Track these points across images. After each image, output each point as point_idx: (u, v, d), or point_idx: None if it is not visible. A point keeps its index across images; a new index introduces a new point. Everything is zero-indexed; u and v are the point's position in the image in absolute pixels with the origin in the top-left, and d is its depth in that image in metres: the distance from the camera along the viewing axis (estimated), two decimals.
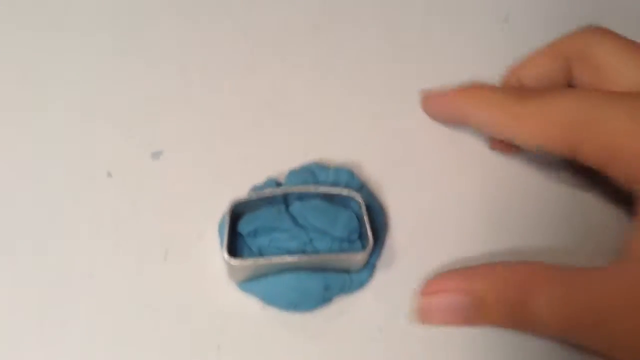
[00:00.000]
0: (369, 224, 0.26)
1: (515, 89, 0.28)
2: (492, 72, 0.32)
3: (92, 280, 0.27)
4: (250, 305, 0.27)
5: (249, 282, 0.26)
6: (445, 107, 0.30)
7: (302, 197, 0.27)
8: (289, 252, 0.26)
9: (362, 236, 0.27)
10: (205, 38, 0.34)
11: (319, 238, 0.26)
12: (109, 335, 0.26)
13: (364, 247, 0.26)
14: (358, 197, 0.26)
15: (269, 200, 0.27)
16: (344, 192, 0.26)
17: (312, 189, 0.26)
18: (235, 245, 0.26)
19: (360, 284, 0.27)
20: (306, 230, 0.26)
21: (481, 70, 0.32)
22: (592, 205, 0.30)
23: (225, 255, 0.25)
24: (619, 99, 0.24)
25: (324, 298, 0.26)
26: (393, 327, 0.27)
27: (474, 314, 0.24)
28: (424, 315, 0.25)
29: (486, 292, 0.23)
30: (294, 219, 0.26)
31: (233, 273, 0.26)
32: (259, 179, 0.29)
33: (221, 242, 0.27)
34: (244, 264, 0.25)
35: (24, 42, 0.33)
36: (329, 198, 0.27)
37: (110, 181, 0.29)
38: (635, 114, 0.23)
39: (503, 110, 0.26)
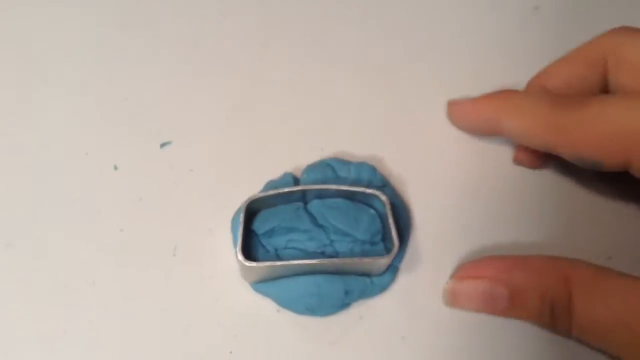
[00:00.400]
0: (394, 226, 0.24)
1: (550, 95, 0.25)
2: (522, 64, 0.30)
3: (99, 278, 0.25)
4: (265, 306, 0.25)
5: (263, 284, 0.25)
6: (475, 116, 0.27)
7: (321, 194, 0.25)
8: (307, 253, 0.24)
9: (385, 238, 0.25)
10: (218, 28, 0.32)
11: (340, 240, 0.24)
12: (115, 333, 0.25)
13: (387, 249, 0.24)
14: (383, 196, 0.24)
15: (286, 197, 0.25)
16: (368, 190, 0.24)
17: (333, 187, 0.25)
18: (249, 244, 0.25)
19: (382, 288, 0.25)
20: (326, 231, 0.25)
21: (510, 63, 0.30)
22: (623, 213, 0.28)
23: (240, 256, 0.23)
24: None
25: (343, 303, 0.25)
26: (417, 334, 0.25)
27: (509, 305, 0.23)
28: (455, 299, 0.24)
29: (526, 285, 0.23)
30: (313, 218, 0.25)
31: (247, 274, 0.24)
32: (274, 173, 0.28)
33: (234, 241, 0.25)
34: (260, 266, 0.23)
35: (28, 37, 0.31)
36: (349, 195, 0.25)
37: (116, 174, 0.28)
38: None
39: (542, 119, 0.24)
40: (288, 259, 0.24)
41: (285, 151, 0.28)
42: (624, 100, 0.22)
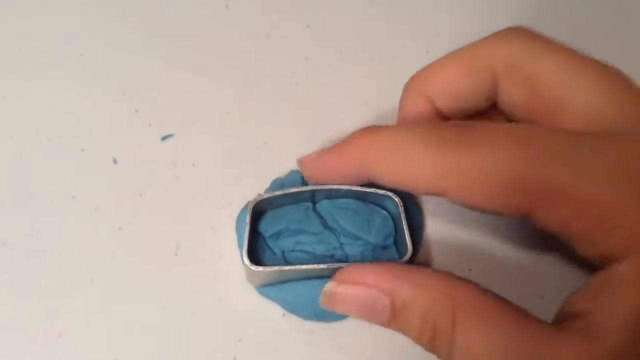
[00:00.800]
0: (407, 230, 0.23)
1: (425, 129, 0.20)
2: None
3: (97, 277, 0.24)
4: (270, 310, 0.24)
5: (269, 288, 0.24)
6: (336, 172, 0.22)
7: (330, 194, 0.24)
8: (316, 256, 0.23)
9: (397, 240, 0.24)
10: (221, 20, 0.30)
11: (350, 243, 0.23)
12: (113, 335, 0.24)
13: (400, 253, 0.23)
14: (396, 198, 0.23)
15: (294, 197, 0.24)
16: (380, 191, 0.23)
17: (344, 187, 0.23)
18: (255, 245, 0.23)
19: None
20: (336, 234, 0.23)
21: None
22: None
23: (246, 260, 0.22)
24: (589, 150, 0.18)
25: None
26: None
27: (391, 319, 0.20)
28: (330, 302, 0.21)
29: (410, 301, 0.20)
30: (322, 220, 0.24)
31: (252, 278, 0.23)
32: (279, 168, 0.26)
33: (240, 242, 0.24)
34: (267, 271, 0.22)
35: (24, 30, 0.30)
36: (361, 195, 0.24)
37: (115, 168, 0.27)
38: (614, 173, 0.18)
39: (422, 164, 0.20)
40: (296, 263, 0.23)
41: (291, 146, 0.27)
42: (516, 146, 0.19)
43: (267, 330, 0.24)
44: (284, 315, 0.24)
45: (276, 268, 0.22)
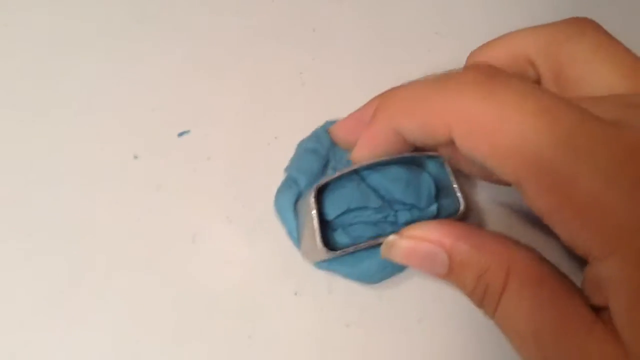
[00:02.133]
0: (457, 184, 0.24)
1: (450, 73, 0.21)
2: None
3: (117, 264, 0.26)
4: (281, 292, 0.26)
5: (332, 262, 0.25)
6: (359, 128, 0.24)
7: (371, 166, 0.25)
8: (374, 225, 0.24)
9: (442, 199, 0.25)
10: (234, 17, 0.32)
11: (403, 210, 0.25)
12: (132, 321, 0.25)
13: (449, 210, 0.25)
14: (441, 157, 0.24)
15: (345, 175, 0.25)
16: (428, 153, 0.24)
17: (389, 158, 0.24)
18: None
19: None
20: (390, 204, 0.25)
21: None
22: None
23: (321, 246, 0.23)
24: (592, 139, 0.18)
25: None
26: (433, 317, 0.25)
27: (447, 273, 0.21)
28: (393, 253, 0.22)
29: (467, 261, 0.21)
30: (376, 193, 0.25)
31: (315, 256, 0.25)
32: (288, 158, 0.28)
33: (288, 227, 0.26)
34: (346, 252, 0.23)
35: (46, 27, 0.32)
36: (403, 159, 0.25)
37: (136, 163, 0.28)
38: (610, 169, 0.17)
39: (434, 102, 0.21)
40: (356, 235, 0.24)
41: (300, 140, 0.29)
42: (530, 114, 0.18)
43: (278, 310, 0.25)
44: (295, 293, 0.26)
45: (351, 248, 0.23)
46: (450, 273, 0.21)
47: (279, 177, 0.28)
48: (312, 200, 0.23)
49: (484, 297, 0.21)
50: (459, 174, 0.25)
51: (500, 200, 0.28)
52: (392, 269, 0.25)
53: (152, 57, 0.31)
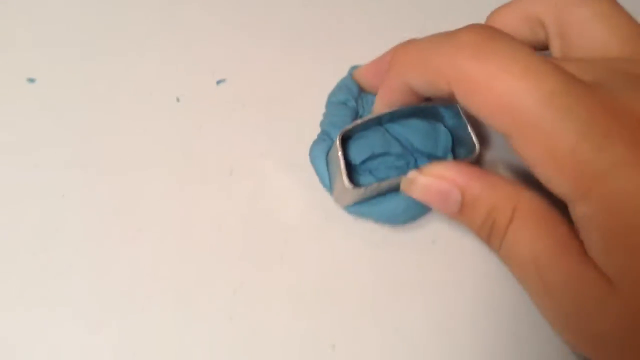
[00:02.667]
0: (472, 130, 0.27)
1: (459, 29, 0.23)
2: None
3: (163, 194, 0.29)
4: (311, 221, 0.29)
5: (359, 206, 0.28)
6: (378, 74, 0.27)
7: (393, 115, 0.28)
8: (397, 169, 0.27)
9: (457, 145, 0.28)
10: None
11: (421, 158, 0.28)
12: (174, 247, 0.28)
13: (462, 154, 0.28)
14: (456, 107, 0.27)
15: (367, 122, 0.27)
16: (443, 103, 0.27)
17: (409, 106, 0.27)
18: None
19: None
20: (410, 152, 0.28)
21: None
22: None
23: (348, 183, 0.26)
24: (576, 96, 0.20)
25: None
26: (448, 237, 0.28)
27: (459, 211, 0.24)
28: (411, 188, 0.25)
29: (478, 198, 0.23)
30: (398, 142, 0.28)
31: (346, 198, 0.27)
32: (319, 107, 0.30)
33: (320, 174, 0.28)
34: (369, 188, 0.26)
35: None
36: (420, 110, 0.28)
37: (179, 106, 0.31)
38: (590, 124, 0.20)
39: (439, 56, 0.23)
40: (381, 177, 0.27)
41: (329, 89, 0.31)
42: (514, 77, 0.20)
43: (309, 235, 0.28)
44: (325, 219, 0.29)
45: (374, 184, 0.26)
46: (462, 211, 0.24)
47: (310, 124, 0.30)
48: (338, 144, 0.26)
49: (491, 232, 0.23)
50: (476, 123, 0.28)
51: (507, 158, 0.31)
52: (416, 211, 0.28)
53: (193, 12, 0.34)
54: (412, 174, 0.25)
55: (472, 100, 0.22)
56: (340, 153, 0.26)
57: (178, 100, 0.31)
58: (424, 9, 0.35)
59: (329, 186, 0.28)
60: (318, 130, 0.30)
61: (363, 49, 0.32)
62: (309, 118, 0.31)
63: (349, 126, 0.27)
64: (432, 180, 0.24)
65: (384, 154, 0.28)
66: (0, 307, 0.26)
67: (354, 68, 0.31)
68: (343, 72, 0.31)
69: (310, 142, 0.29)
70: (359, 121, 0.27)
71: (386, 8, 0.35)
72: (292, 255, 0.28)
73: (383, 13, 0.35)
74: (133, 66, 0.32)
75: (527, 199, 0.23)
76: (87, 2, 0.34)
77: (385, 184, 0.26)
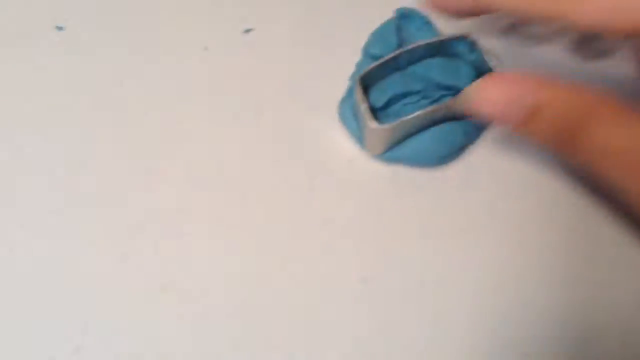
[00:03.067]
0: (491, 59, 0.26)
1: None
2: None
3: (191, 134, 0.29)
4: (338, 161, 0.29)
5: (391, 152, 0.27)
6: None
7: (411, 57, 0.27)
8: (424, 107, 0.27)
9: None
10: None
11: (447, 94, 0.27)
12: (208, 176, 0.28)
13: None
14: (469, 37, 0.27)
15: (387, 66, 0.27)
16: (456, 34, 0.27)
17: (422, 42, 0.27)
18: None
19: (485, 127, 0.29)
20: (433, 88, 0.27)
21: None
22: None
23: (374, 124, 0.25)
24: None
25: (466, 142, 0.28)
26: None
27: (526, 118, 0.22)
28: (478, 99, 0.23)
29: (553, 101, 0.22)
30: (419, 79, 0.27)
31: (376, 142, 0.27)
32: (348, 58, 0.30)
33: (347, 125, 0.28)
34: (394, 125, 0.25)
35: None
36: (437, 44, 0.27)
37: (206, 54, 0.32)
38: None
39: None
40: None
41: (358, 40, 0.30)
42: None
43: (338, 169, 0.28)
44: (350, 160, 0.28)
45: (399, 121, 0.26)
46: (531, 118, 0.22)
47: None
48: (358, 87, 0.26)
49: (571, 135, 0.21)
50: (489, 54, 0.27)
51: None
52: (447, 147, 0.27)
53: None
54: (477, 83, 0.23)
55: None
56: (361, 94, 0.26)
57: (206, 48, 0.32)
58: None
59: (360, 138, 0.28)
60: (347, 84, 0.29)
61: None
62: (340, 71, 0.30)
63: (367, 69, 0.27)
64: (501, 86, 0.22)
65: (407, 93, 0.27)
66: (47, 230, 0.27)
67: (402, 10, 0.30)
68: (382, 18, 0.30)
69: (340, 97, 0.29)
70: (375, 63, 0.27)
71: None
72: (320, 190, 0.28)
73: None
74: (159, 18, 0.33)
75: (604, 97, 0.21)
76: None
77: (410, 120, 0.26)
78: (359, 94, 0.26)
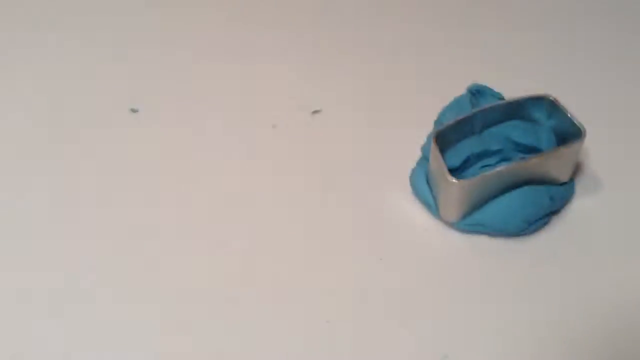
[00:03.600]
0: (572, 115, 0.25)
1: None
2: None
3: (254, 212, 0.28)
4: (412, 229, 0.27)
5: (470, 216, 0.26)
6: None
7: (487, 120, 0.27)
8: None
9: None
10: None
11: (523, 152, 0.26)
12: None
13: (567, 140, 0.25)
14: (550, 97, 0.26)
15: (463, 128, 0.26)
16: (534, 95, 0.26)
17: (502, 103, 0.26)
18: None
19: (570, 195, 0.27)
20: (514, 150, 0.26)
21: None
22: None
23: (452, 178, 0.24)
24: None
25: (551, 208, 0.26)
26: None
27: None
28: None
29: None
30: (498, 140, 0.26)
31: (452, 206, 0.25)
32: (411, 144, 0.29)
33: (421, 195, 0.27)
34: (475, 181, 0.24)
35: None
36: (514, 105, 0.26)
37: (276, 132, 0.32)
38: None
39: None
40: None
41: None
42: None
43: (413, 242, 0.27)
44: (425, 230, 0.27)
45: (480, 175, 0.24)
46: None
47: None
48: (433, 146, 0.25)
49: None
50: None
51: None
52: (537, 208, 0.25)
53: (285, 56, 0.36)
54: None
55: None
56: (436, 152, 0.24)
57: (274, 126, 0.32)
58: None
59: (433, 206, 0.26)
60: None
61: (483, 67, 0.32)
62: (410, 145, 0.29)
63: (442, 126, 0.26)
64: None
65: (484, 154, 0.26)
66: None
67: (475, 86, 0.29)
68: (458, 91, 0.30)
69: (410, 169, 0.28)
70: (451, 121, 0.26)
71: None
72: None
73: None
74: (231, 97, 0.34)
75: None
76: None
77: (492, 176, 0.24)
78: (434, 152, 0.25)
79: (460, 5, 0.38)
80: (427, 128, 0.29)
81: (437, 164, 0.25)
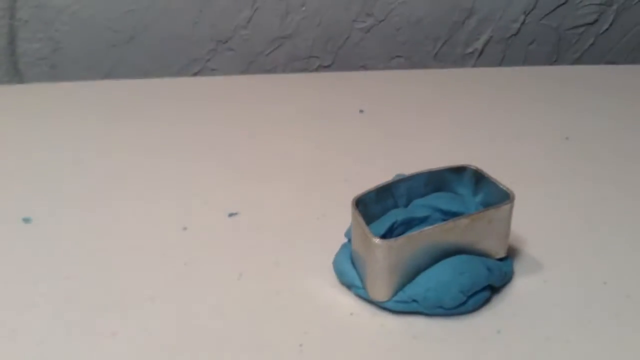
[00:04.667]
0: (499, 182, 0.24)
1: None
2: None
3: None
4: (337, 314, 0.23)
5: (402, 291, 0.22)
6: None
7: (411, 194, 0.26)
8: None
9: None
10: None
11: (450, 216, 0.24)
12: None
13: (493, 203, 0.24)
14: (472, 166, 0.25)
15: (385, 201, 0.25)
16: (458, 165, 0.25)
17: (425, 171, 0.26)
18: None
19: (508, 275, 0.24)
20: (442, 216, 0.24)
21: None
22: None
23: (376, 239, 0.21)
24: None
25: (489, 280, 0.23)
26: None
27: None
28: None
29: None
30: (424, 208, 0.25)
31: (380, 279, 0.22)
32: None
33: (346, 278, 0.24)
34: (402, 242, 0.21)
35: None
36: (436, 174, 0.26)
37: (185, 234, 0.29)
38: None
39: None
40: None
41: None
42: None
43: (338, 329, 0.23)
44: (351, 314, 0.23)
45: (406, 235, 0.22)
46: None
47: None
48: (354, 212, 0.23)
49: None
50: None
51: None
52: (474, 278, 0.23)
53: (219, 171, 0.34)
54: None
55: None
56: (358, 216, 0.22)
57: (184, 228, 0.29)
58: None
59: (360, 286, 0.23)
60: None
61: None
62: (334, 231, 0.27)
63: (363, 193, 0.24)
64: None
65: (410, 220, 0.24)
66: None
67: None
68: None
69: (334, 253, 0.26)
70: (372, 188, 0.24)
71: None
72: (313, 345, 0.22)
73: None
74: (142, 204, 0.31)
75: None
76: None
77: (420, 238, 0.22)
78: (355, 218, 0.22)
79: None
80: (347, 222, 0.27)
81: (360, 230, 0.22)
